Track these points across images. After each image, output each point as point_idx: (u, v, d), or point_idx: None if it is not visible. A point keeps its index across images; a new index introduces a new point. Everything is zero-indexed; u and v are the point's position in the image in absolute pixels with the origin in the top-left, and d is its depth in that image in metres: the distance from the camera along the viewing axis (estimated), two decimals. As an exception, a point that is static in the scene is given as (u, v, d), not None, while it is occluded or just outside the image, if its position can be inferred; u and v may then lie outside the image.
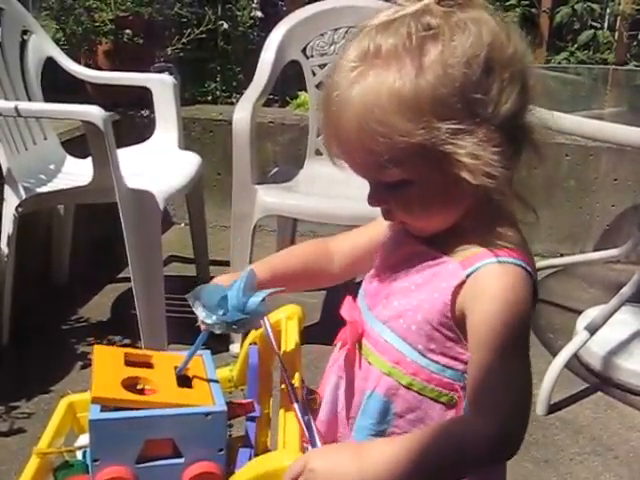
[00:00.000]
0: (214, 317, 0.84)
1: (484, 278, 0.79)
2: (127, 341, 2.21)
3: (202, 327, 0.88)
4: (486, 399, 0.77)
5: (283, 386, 0.90)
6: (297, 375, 0.92)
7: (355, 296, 0.96)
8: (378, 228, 0.97)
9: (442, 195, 0.79)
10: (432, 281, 0.83)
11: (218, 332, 0.86)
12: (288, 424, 0.83)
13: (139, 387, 0.86)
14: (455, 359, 0.83)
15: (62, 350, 2.17)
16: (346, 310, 0.94)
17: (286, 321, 1.02)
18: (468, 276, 0.80)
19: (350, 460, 0.75)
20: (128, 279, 2.04)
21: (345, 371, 0.92)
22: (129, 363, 0.89)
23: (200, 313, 0.85)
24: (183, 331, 2.07)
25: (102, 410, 0.81)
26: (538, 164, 0.81)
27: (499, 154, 0.76)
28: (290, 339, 0.99)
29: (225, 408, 0.83)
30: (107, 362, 0.88)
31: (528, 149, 0.81)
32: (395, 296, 0.87)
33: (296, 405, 0.85)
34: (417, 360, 0.84)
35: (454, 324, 0.81)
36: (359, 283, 0.98)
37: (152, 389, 0.86)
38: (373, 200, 0.83)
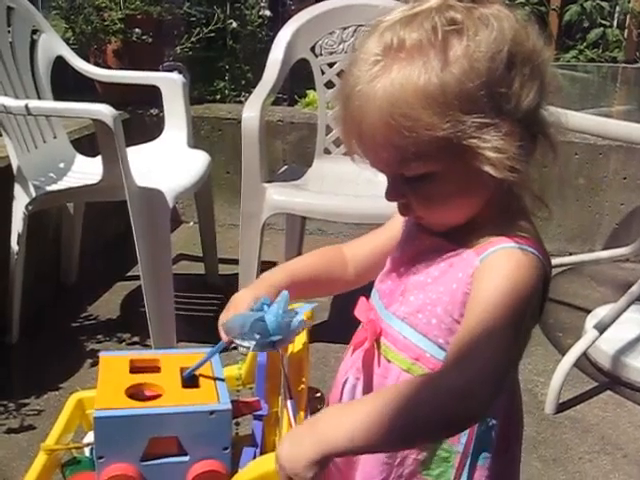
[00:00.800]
0: (253, 342, 0.84)
1: (494, 258, 0.79)
2: (136, 339, 2.22)
3: (223, 338, 0.88)
4: (462, 354, 0.75)
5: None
6: (304, 375, 0.93)
7: (367, 296, 0.96)
8: (392, 231, 0.97)
9: (463, 188, 0.80)
10: (448, 272, 0.83)
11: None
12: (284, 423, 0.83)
13: (145, 393, 0.87)
14: None
15: (72, 347, 2.18)
16: (361, 311, 0.93)
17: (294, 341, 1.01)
18: (481, 261, 0.80)
19: (305, 434, 0.74)
20: (137, 277, 2.05)
21: (363, 371, 0.91)
22: (134, 369, 0.90)
23: (241, 343, 0.85)
24: (192, 329, 2.10)
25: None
26: (553, 160, 0.81)
27: (522, 148, 0.76)
28: (298, 339, 0.99)
29: (230, 406, 0.83)
30: (112, 371, 0.89)
31: (544, 145, 0.81)
32: (411, 292, 0.87)
33: (289, 402, 0.85)
34: (437, 355, 0.83)
35: None
36: (370, 283, 0.98)
37: (157, 394, 0.86)
38: (392, 195, 0.83)
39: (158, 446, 0.81)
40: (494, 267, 0.79)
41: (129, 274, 2.65)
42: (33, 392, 1.95)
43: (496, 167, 0.76)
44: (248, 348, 0.85)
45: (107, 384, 0.86)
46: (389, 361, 0.88)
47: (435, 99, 0.74)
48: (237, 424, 0.91)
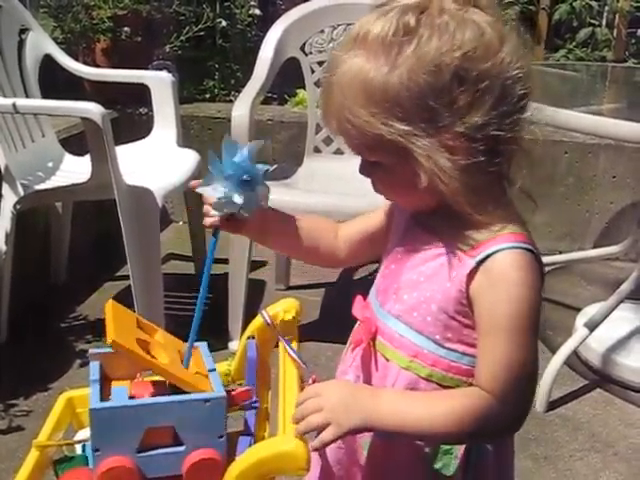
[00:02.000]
0: (221, 190, 0.86)
1: (495, 267, 0.79)
2: (126, 339, 2.20)
3: (207, 222, 0.90)
4: (496, 381, 0.79)
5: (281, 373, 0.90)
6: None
7: (364, 294, 0.97)
8: (378, 217, 0.99)
9: (411, 182, 0.80)
10: (441, 271, 0.83)
11: (227, 211, 0.87)
12: (287, 411, 0.83)
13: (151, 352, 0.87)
14: (472, 345, 0.83)
15: (61, 348, 2.17)
16: (358, 309, 0.94)
17: (283, 314, 1.02)
18: (478, 263, 0.80)
19: (364, 398, 0.80)
20: (127, 277, 2.04)
21: (362, 370, 0.92)
22: (141, 327, 0.91)
23: (209, 192, 0.87)
24: (181, 328, 2.08)
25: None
26: (528, 170, 0.82)
27: (453, 162, 0.76)
28: (288, 336, 0.99)
29: (224, 394, 0.83)
30: (122, 318, 0.89)
31: (517, 155, 0.81)
32: (404, 290, 0.87)
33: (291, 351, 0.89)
34: (435, 351, 0.85)
35: (470, 311, 0.82)
36: (366, 281, 0.98)
37: (163, 357, 0.87)
38: (360, 171, 0.85)
39: (154, 437, 0.81)
40: (502, 277, 0.79)
41: (118, 274, 2.63)
42: (21, 393, 1.94)
43: (427, 174, 0.77)
44: (220, 204, 0.87)
45: (119, 325, 0.85)
46: (387, 359, 0.89)
47: (374, 99, 0.76)
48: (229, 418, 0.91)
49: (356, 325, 0.97)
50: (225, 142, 0.86)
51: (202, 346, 0.95)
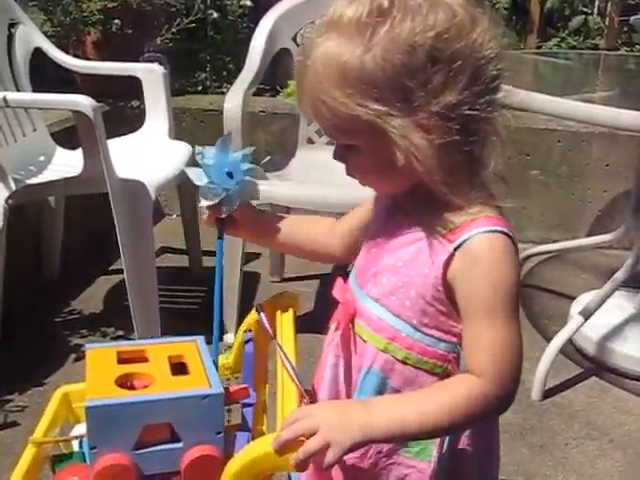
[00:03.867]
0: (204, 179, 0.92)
1: (473, 250, 0.80)
2: (120, 332, 2.20)
3: (205, 220, 0.97)
4: (486, 363, 0.80)
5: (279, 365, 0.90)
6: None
7: (345, 276, 0.98)
8: (366, 208, 0.99)
9: (386, 164, 0.81)
10: (419, 257, 0.84)
11: (210, 201, 0.93)
12: (286, 406, 0.82)
13: (134, 382, 0.86)
14: (448, 332, 0.85)
15: (55, 343, 2.16)
16: (337, 291, 0.96)
17: (281, 312, 1.02)
18: (456, 249, 0.81)
19: (356, 413, 0.78)
20: (120, 271, 2.03)
21: (342, 350, 0.93)
22: (122, 361, 0.90)
23: (193, 177, 0.93)
24: (176, 321, 2.08)
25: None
26: (502, 152, 0.82)
27: (429, 140, 0.77)
28: (286, 330, 0.99)
29: (222, 390, 0.83)
30: (100, 363, 0.89)
31: (490, 137, 0.82)
32: (383, 273, 0.89)
33: (287, 363, 0.88)
34: (412, 335, 0.86)
35: (446, 297, 0.83)
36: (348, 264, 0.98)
37: (147, 383, 0.85)
38: (334, 156, 0.86)
39: (151, 433, 0.81)
40: (480, 261, 0.80)
41: (112, 268, 2.63)
42: (16, 388, 1.93)
43: (403, 153, 0.78)
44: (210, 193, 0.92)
45: (96, 375, 0.85)
46: (365, 341, 0.90)
47: (348, 81, 0.76)
48: (229, 411, 0.91)
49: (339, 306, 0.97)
50: (220, 138, 0.90)
51: (199, 340, 0.95)
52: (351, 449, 0.76)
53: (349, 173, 0.87)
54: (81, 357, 2.07)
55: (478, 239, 0.80)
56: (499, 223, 0.81)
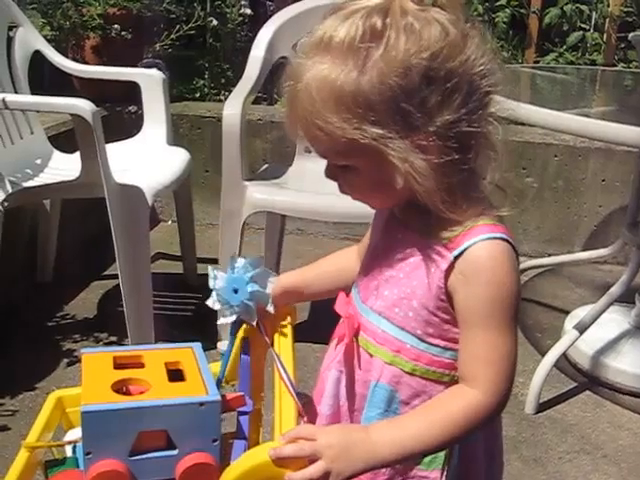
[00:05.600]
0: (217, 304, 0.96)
1: (473, 258, 0.80)
2: (113, 338, 2.19)
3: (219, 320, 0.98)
4: (483, 375, 0.81)
5: (276, 374, 0.90)
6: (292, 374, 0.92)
7: (347, 291, 0.97)
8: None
9: (382, 183, 0.81)
10: (420, 267, 0.84)
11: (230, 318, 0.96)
12: (284, 415, 0.82)
13: (130, 388, 0.85)
14: (452, 340, 0.85)
15: (48, 347, 2.15)
16: (340, 305, 0.95)
17: (279, 321, 1.02)
18: (456, 257, 0.81)
19: (359, 443, 0.78)
20: (114, 276, 2.02)
21: (345, 365, 0.93)
22: (118, 366, 0.89)
23: (210, 305, 0.97)
24: (170, 328, 2.08)
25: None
26: (498, 165, 0.83)
27: (427, 161, 0.77)
28: (284, 339, 0.99)
29: (219, 398, 0.82)
30: (96, 368, 0.87)
31: (484, 151, 0.82)
32: (384, 286, 0.89)
33: (285, 377, 0.88)
34: (417, 346, 0.86)
35: (449, 306, 0.83)
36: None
37: (143, 389, 0.85)
38: (326, 175, 0.85)
39: (146, 440, 0.80)
40: (479, 269, 0.80)
41: (106, 273, 2.62)
42: (7, 392, 1.92)
43: (402, 175, 0.78)
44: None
45: (92, 380, 0.84)
46: (371, 355, 0.90)
47: (346, 105, 0.75)
48: (222, 420, 0.90)
49: (340, 321, 0.97)
50: (229, 259, 0.95)
51: (196, 347, 0.94)
52: (351, 477, 0.77)
53: (342, 190, 0.86)
54: (73, 362, 2.06)
55: (478, 247, 0.80)
56: (498, 230, 0.82)
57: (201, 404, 0.81)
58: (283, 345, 0.97)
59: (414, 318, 0.85)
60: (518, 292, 0.82)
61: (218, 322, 0.98)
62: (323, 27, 0.77)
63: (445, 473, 0.88)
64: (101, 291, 2.53)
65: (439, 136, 0.77)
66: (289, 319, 1.03)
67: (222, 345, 2.13)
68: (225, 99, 2.21)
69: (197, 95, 3.36)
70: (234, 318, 0.96)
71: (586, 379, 2.14)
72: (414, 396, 0.87)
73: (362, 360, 0.91)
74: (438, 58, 0.75)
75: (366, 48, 0.74)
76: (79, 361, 2.13)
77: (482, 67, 0.78)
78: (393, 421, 0.85)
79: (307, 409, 0.90)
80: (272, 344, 0.96)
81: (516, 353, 0.83)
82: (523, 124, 2.29)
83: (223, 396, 0.88)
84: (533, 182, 2.97)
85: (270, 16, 2.46)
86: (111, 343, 2.16)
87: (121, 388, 0.84)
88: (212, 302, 0.96)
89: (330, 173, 0.85)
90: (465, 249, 0.80)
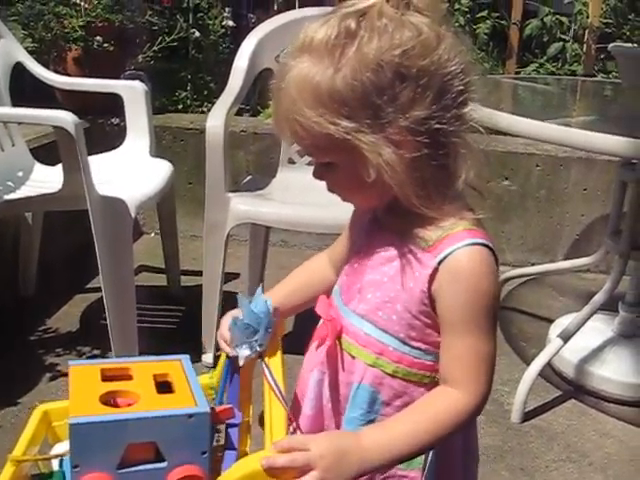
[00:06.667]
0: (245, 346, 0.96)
1: (455, 264, 0.83)
2: (97, 352, 2.17)
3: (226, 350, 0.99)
4: (465, 376, 0.84)
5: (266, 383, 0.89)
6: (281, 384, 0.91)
7: (328, 294, 0.99)
8: (348, 230, 1.01)
9: (361, 179, 0.82)
10: (404, 271, 0.86)
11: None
12: (274, 423, 0.81)
13: (118, 401, 0.84)
14: (433, 344, 0.87)
15: (30, 361, 2.12)
16: (321, 308, 0.97)
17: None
18: (440, 263, 0.83)
19: (351, 451, 0.79)
20: (97, 289, 2.01)
21: (328, 367, 0.95)
22: (106, 378, 0.88)
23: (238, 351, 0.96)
24: (154, 341, 2.06)
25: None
26: (473, 164, 0.85)
27: (399, 155, 0.80)
28: (273, 350, 0.98)
29: (209, 409, 0.82)
30: (83, 380, 0.87)
31: (458, 150, 0.84)
32: (367, 289, 0.91)
33: (274, 384, 0.89)
34: (400, 348, 0.88)
35: (432, 310, 0.85)
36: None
37: (132, 401, 0.84)
38: (314, 174, 0.88)
39: (135, 452, 0.79)
40: (460, 276, 0.83)
41: (88, 286, 2.60)
42: (-11, 407, 1.89)
43: (374, 168, 0.81)
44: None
45: (80, 393, 0.83)
46: (353, 357, 0.92)
47: (321, 101, 0.79)
48: (217, 431, 0.89)
49: (320, 322, 0.99)
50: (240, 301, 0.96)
51: (184, 359, 0.93)
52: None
53: (330, 189, 0.89)
54: (56, 376, 2.04)
55: (460, 253, 0.83)
56: (479, 235, 0.84)
57: (190, 416, 0.81)
58: (272, 356, 0.96)
59: (397, 321, 0.87)
60: (498, 296, 0.85)
61: (241, 363, 0.97)
62: (306, 30, 0.82)
63: (425, 473, 0.89)
64: (84, 304, 2.51)
65: (411, 131, 0.80)
66: (278, 331, 1.02)
67: (207, 357, 2.12)
68: (208, 111, 2.21)
69: (180, 107, 3.36)
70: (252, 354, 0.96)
71: (571, 387, 2.15)
72: (395, 397, 0.90)
73: (345, 362, 0.93)
74: (409, 56, 0.78)
75: (341, 46, 0.78)
76: (62, 375, 2.12)
77: (455, 67, 0.81)
78: (381, 425, 0.87)
79: (291, 410, 0.90)
80: (262, 357, 0.96)
81: (495, 354, 0.85)
82: (505, 134, 2.30)
83: (212, 408, 0.87)
84: (511, 185, 2.98)
85: (252, 28, 2.46)
86: (94, 356, 2.14)
87: (109, 400, 0.83)
88: (237, 350, 0.96)
89: (317, 173, 0.88)
90: (448, 255, 0.83)
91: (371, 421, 0.90)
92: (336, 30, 0.78)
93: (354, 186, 0.86)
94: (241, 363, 0.96)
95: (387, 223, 0.90)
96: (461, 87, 0.82)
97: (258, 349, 0.95)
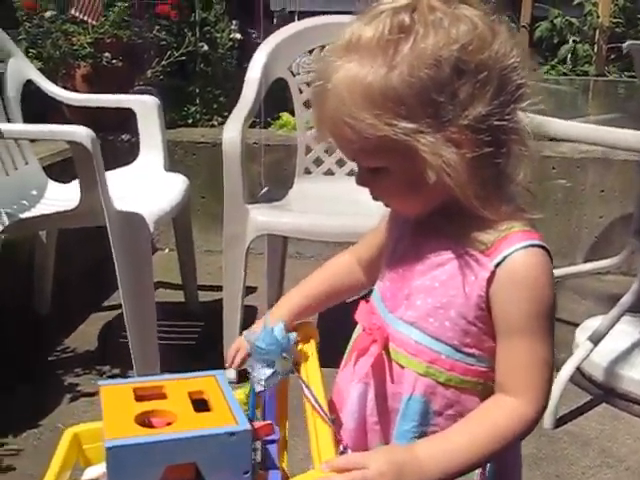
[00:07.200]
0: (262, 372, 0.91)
1: (513, 267, 0.80)
2: (116, 371, 2.14)
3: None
4: (526, 384, 0.81)
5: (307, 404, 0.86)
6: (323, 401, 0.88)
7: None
8: (382, 230, 0.98)
9: (415, 184, 0.80)
10: (457, 276, 0.83)
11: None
12: (321, 443, 0.78)
13: (153, 420, 0.81)
14: (487, 350, 0.84)
15: (49, 382, 2.09)
16: (362, 316, 0.93)
17: (302, 344, 0.99)
18: (497, 266, 0.80)
19: (408, 468, 0.76)
20: (114, 307, 1.98)
21: (373, 378, 0.90)
22: (140, 398, 0.85)
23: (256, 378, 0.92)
24: (174, 358, 2.03)
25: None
26: (529, 164, 0.82)
27: (460, 155, 0.76)
28: (311, 363, 0.96)
29: (249, 427, 0.78)
30: (116, 401, 0.84)
31: (515, 148, 0.81)
32: (416, 295, 0.87)
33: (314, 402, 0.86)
34: (453, 355, 0.84)
35: (488, 315, 0.82)
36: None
37: (169, 421, 0.80)
38: (357, 181, 0.85)
39: (174, 473, 0.75)
40: (518, 279, 0.80)
41: (105, 304, 2.57)
42: (10, 431, 1.85)
43: (433, 169, 0.77)
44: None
45: (113, 414, 0.80)
46: (402, 367, 0.87)
47: (375, 101, 0.75)
48: (255, 449, 0.86)
49: (355, 331, 0.96)
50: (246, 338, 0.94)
51: (219, 375, 0.90)
52: None
53: (374, 197, 0.86)
54: (77, 397, 2.01)
55: (517, 256, 0.80)
56: (535, 237, 0.81)
57: (231, 434, 0.77)
58: (310, 370, 0.93)
59: (451, 328, 0.83)
60: (555, 301, 0.82)
61: (257, 390, 0.93)
62: (350, 29, 0.78)
63: None
64: (101, 322, 2.48)
65: (471, 129, 0.76)
66: (312, 340, 0.99)
67: (229, 373, 2.07)
68: (218, 124, 2.19)
69: (190, 121, 3.34)
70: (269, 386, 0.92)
71: (601, 391, 2.11)
72: (447, 406, 0.86)
73: (394, 372, 0.89)
74: (468, 51, 0.75)
75: (395, 43, 0.75)
76: (83, 395, 2.08)
77: (512, 60, 0.79)
78: (436, 438, 0.83)
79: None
80: (299, 371, 0.93)
81: (553, 361, 0.82)
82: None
83: (251, 423, 0.84)
84: (534, 201, 2.94)
85: (260, 40, 2.44)
86: (114, 375, 2.11)
87: (144, 421, 0.80)
88: (257, 374, 0.91)
89: (361, 179, 0.84)
90: (505, 257, 0.80)
91: (423, 433, 0.86)
92: (388, 26, 0.75)
93: (405, 191, 0.82)
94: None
95: (437, 227, 0.86)
96: (519, 81, 0.79)
97: (279, 378, 0.91)
